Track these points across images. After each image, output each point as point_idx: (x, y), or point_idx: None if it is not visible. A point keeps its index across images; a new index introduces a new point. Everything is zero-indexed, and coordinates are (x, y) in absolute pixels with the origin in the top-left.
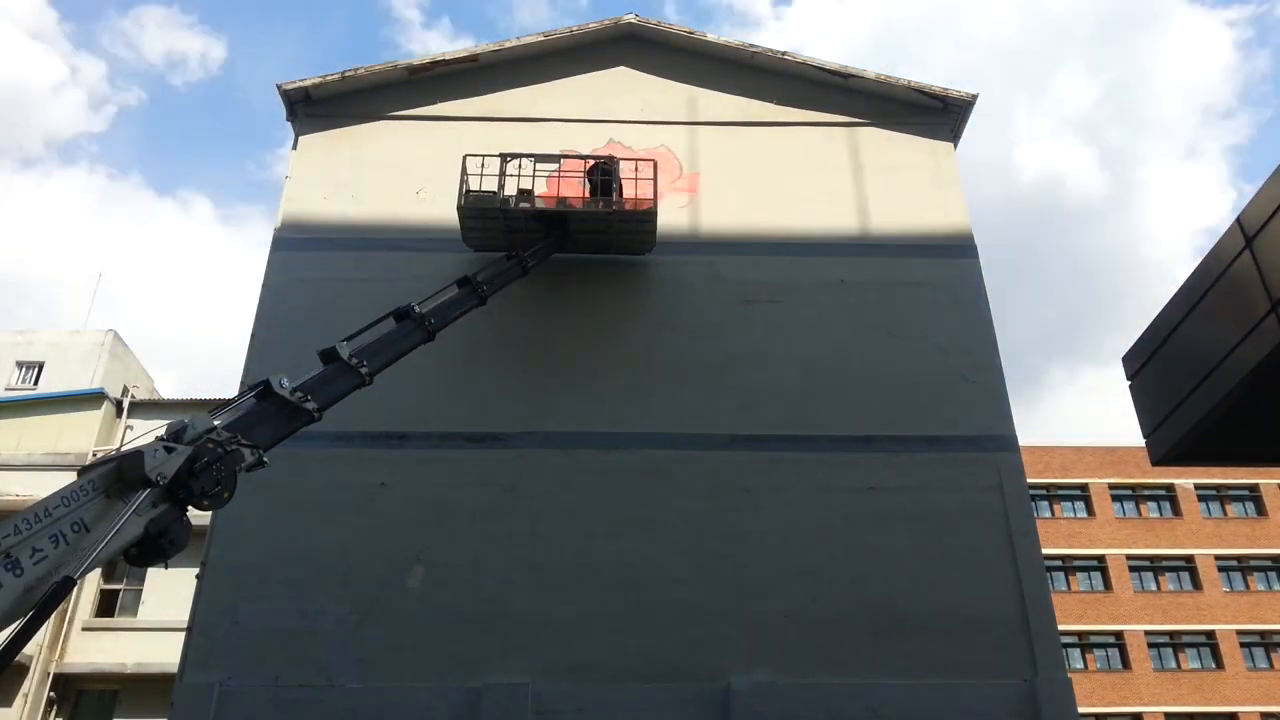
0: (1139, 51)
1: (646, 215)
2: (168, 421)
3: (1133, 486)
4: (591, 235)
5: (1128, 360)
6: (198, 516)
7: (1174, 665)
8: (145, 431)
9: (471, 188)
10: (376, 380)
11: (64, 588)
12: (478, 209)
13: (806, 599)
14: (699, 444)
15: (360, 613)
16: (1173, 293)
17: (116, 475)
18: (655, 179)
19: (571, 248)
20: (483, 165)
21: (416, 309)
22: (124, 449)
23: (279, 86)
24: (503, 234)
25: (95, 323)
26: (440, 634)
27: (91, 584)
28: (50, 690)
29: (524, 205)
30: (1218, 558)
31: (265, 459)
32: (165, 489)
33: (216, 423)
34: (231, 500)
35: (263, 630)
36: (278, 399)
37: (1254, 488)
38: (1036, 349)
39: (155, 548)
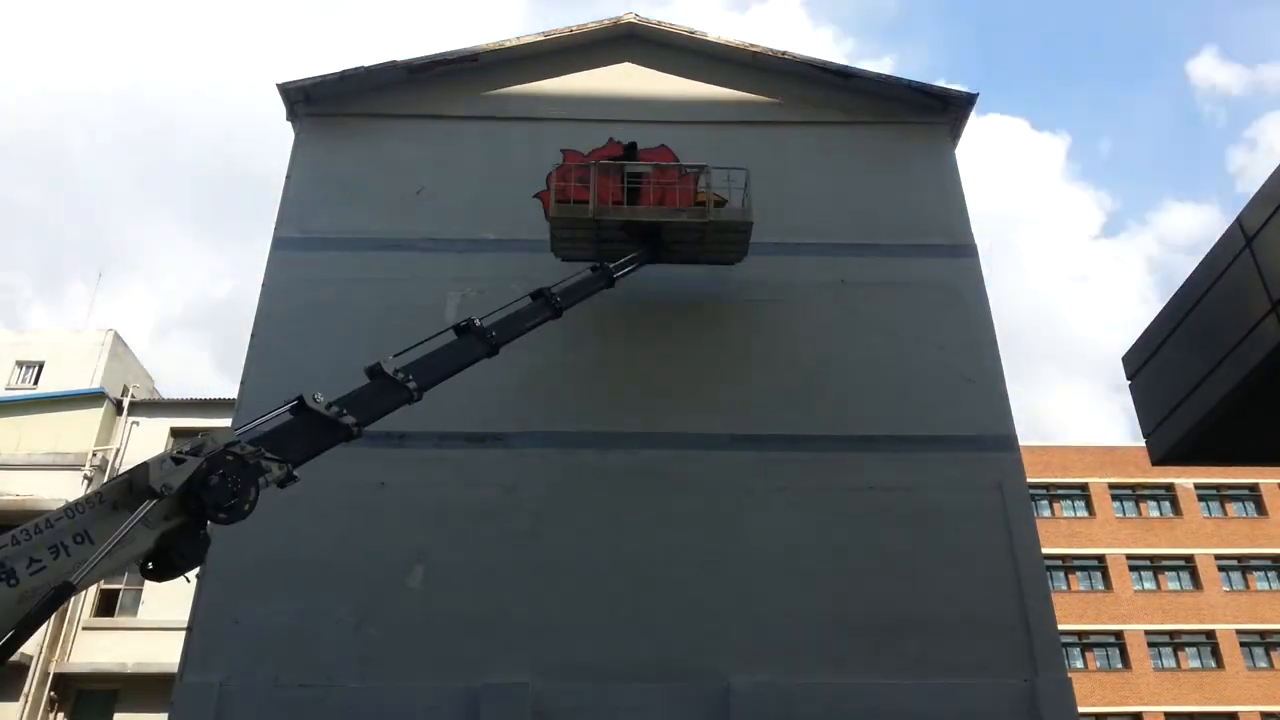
0: None
1: (742, 226)
2: (168, 421)
3: (1133, 486)
4: (684, 246)
5: (1128, 360)
6: None
7: (1174, 665)
8: (150, 430)
9: (560, 197)
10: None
11: (62, 593)
12: (569, 219)
13: (807, 599)
14: (699, 444)
15: (360, 613)
16: (1173, 292)
17: (126, 488)
18: (747, 188)
19: (666, 258)
20: (573, 175)
21: (478, 322)
22: (137, 464)
23: (278, 85)
24: (593, 245)
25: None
26: (440, 634)
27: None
28: (50, 690)
29: (618, 217)
30: (1218, 557)
31: (296, 474)
32: (178, 502)
33: (239, 436)
34: (250, 514)
35: (263, 630)
36: (312, 414)
37: (1254, 487)
38: None
39: (168, 561)
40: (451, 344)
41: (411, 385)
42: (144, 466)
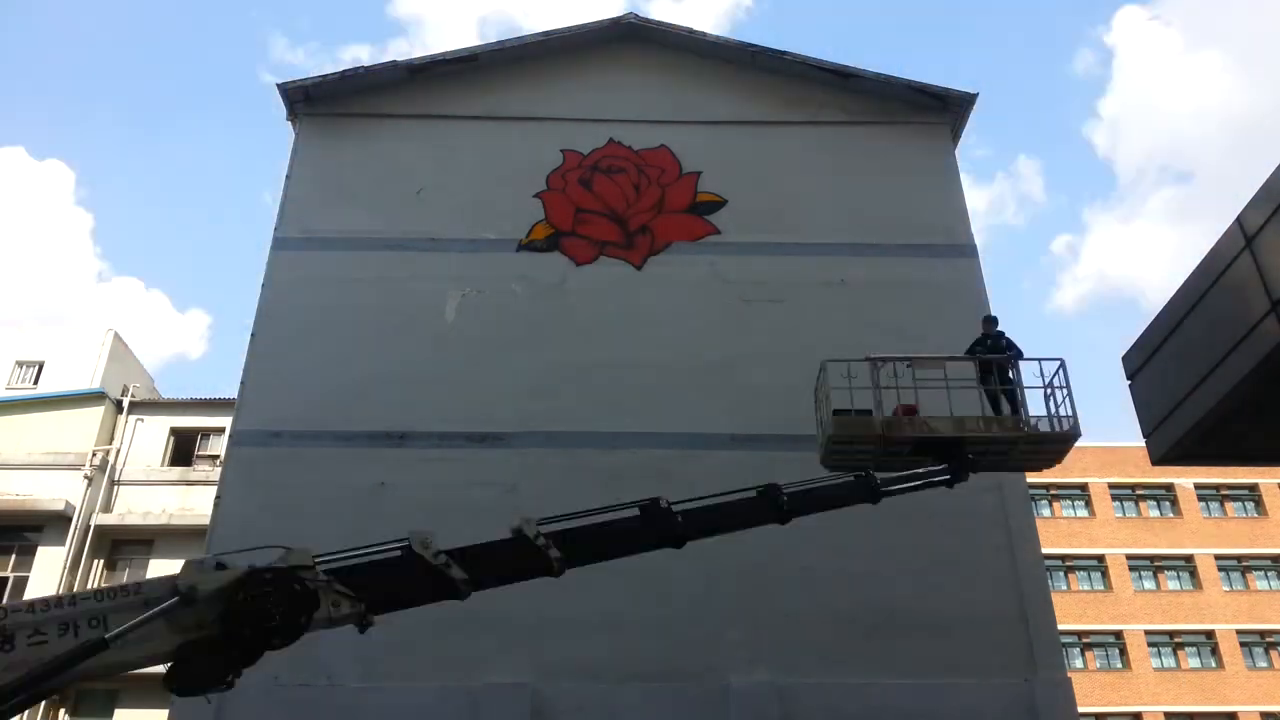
0: None
1: (1067, 438)
2: (169, 421)
3: (1133, 486)
4: (986, 456)
5: (1128, 360)
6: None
7: (1174, 664)
8: (150, 430)
9: (837, 405)
10: (375, 380)
11: (93, 648)
12: (850, 436)
13: (806, 599)
14: (699, 444)
15: None
16: (1173, 293)
17: (170, 591)
18: (1070, 395)
19: (962, 477)
20: (849, 372)
21: (665, 503)
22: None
23: (279, 85)
24: (875, 457)
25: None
26: (440, 634)
27: (92, 584)
28: None
29: (914, 434)
30: (1217, 557)
31: (373, 620)
32: (214, 614)
33: (315, 560)
34: (282, 648)
35: None
36: (418, 561)
37: (1254, 487)
38: None
39: (186, 673)
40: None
41: (554, 555)
42: (187, 565)
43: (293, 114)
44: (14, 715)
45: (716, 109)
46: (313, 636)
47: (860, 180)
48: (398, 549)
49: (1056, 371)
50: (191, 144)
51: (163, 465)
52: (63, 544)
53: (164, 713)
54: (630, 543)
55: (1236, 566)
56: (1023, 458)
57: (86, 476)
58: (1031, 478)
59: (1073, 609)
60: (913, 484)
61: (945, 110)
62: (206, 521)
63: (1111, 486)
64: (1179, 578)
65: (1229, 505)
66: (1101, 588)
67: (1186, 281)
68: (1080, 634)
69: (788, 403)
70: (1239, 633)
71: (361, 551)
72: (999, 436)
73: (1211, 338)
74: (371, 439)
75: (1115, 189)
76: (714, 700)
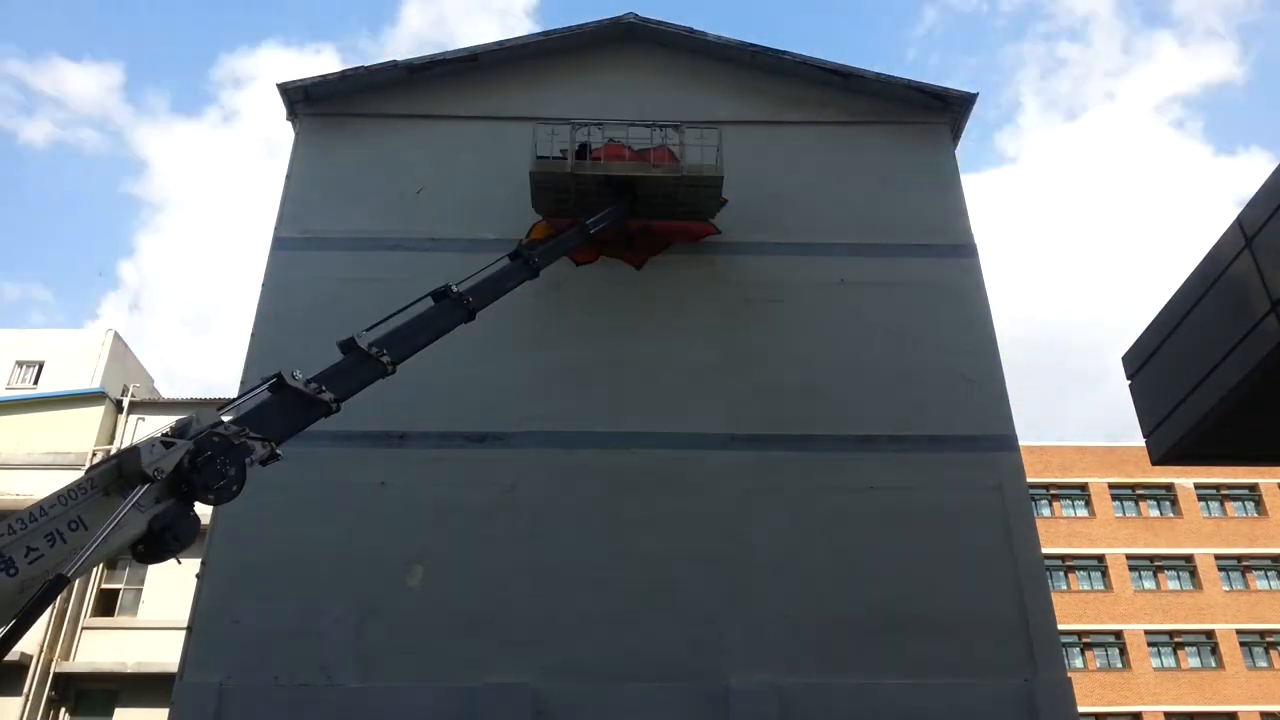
0: None
1: (713, 181)
2: (169, 420)
3: (1133, 486)
4: (658, 200)
5: (1128, 360)
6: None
7: (1174, 664)
8: (152, 428)
9: (541, 153)
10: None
11: (56, 586)
12: (548, 174)
13: (806, 599)
14: (699, 444)
15: (360, 613)
16: (1173, 292)
17: (116, 473)
18: (719, 147)
19: (640, 213)
20: (553, 133)
21: (455, 288)
22: (125, 447)
23: (278, 85)
24: (573, 199)
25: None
26: (440, 634)
27: (92, 584)
28: (51, 689)
29: (595, 172)
30: (1217, 557)
31: (279, 452)
32: (169, 484)
33: (224, 417)
34: (239, 494)
35: (263, 630)
36: (291, 391)
37: (1254, 487)
38: None
39: (160, 544)
40: (427, 312)
41: (385, 359)
42: (134, 450)
43: (292, 114)
44: (17, 640)
45: (716, 109)
46: (312, 636)
47: (860, 180)
48: (272, 385)
49: (719, 138)
50: None
51: None
52: None
53: (164, 712)
54: (439, 325)
55: (1236, 566)
56: (688, 202)
57: None
58: (1031, 478)
59: (1073, 609)
60: (605, 221)
61: (945, 110)
62: (207, 520)
63: (1111, 486)
64: (1179, 578)
65: (1229, 505)
66: (1101, 588)
67: (1186, 281)
68: (1080, 634)
69: (788, 403)
70: (1239, 633)
71: (246, 396)
72: (661, 177)
73: (1211, 338)
74: (371, 439)
75: None
76: (714, 700)
